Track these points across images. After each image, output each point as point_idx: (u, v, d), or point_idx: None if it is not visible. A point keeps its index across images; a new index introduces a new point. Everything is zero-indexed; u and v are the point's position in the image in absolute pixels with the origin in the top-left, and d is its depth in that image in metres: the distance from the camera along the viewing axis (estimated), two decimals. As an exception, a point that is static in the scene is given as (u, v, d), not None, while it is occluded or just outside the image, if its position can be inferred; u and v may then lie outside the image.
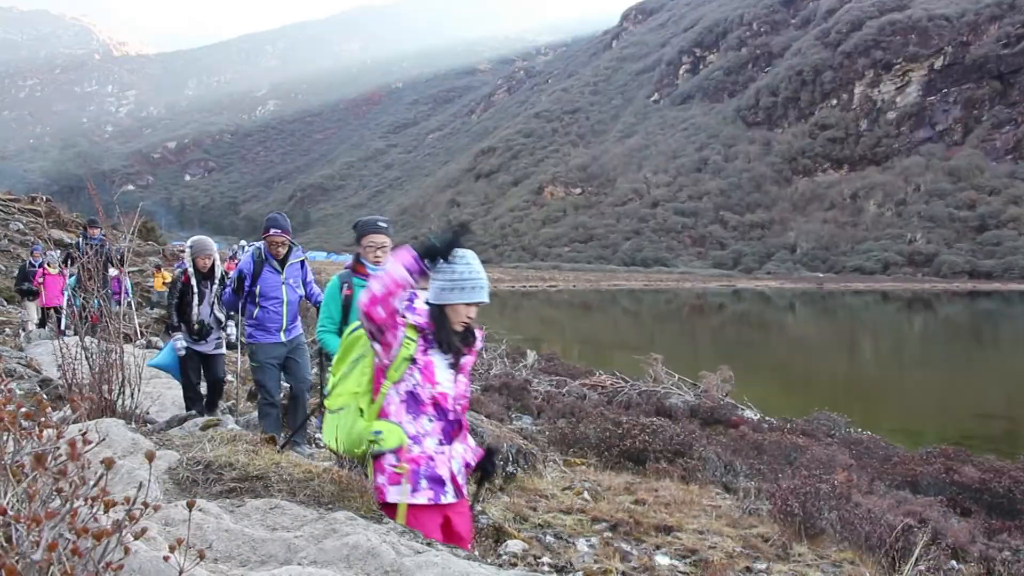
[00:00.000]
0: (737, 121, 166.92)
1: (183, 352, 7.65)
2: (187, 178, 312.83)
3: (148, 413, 5.31)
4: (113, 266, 10.31)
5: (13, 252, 21.52)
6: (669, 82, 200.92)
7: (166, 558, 1.82)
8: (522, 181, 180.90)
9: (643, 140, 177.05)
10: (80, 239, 11.47)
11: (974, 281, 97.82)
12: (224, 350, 8.14)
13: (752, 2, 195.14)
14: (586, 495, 7.50)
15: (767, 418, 17.33)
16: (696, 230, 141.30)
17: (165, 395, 8.43)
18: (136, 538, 1.56)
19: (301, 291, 7.17)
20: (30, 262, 15.24)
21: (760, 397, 20.72)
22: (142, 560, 1.96)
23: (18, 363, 8.12)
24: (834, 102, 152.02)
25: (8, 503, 1.53)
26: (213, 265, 7.96)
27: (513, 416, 13.41)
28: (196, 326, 7.67)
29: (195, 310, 7.74)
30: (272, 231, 6.92)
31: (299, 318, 7.37)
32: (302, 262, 7.25)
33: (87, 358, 4.77)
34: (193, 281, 7.79)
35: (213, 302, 7.82)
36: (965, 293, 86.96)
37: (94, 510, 1.52)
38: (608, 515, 6.71)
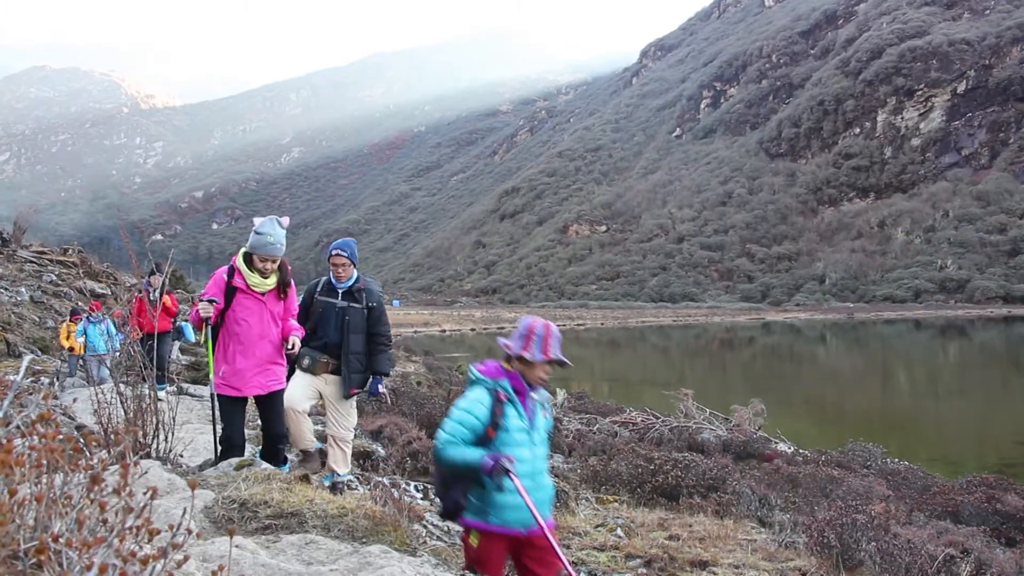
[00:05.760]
0: (760, 153, 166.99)
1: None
2: (214, 226, 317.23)
3: (182, 456, 5.36)
4: None
5: (46, 303, 21.85)
6: (691, 117, 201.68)
7: (207, 585, 1.82)
8: (547, 220, 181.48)
9: (666, 175, 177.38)
10: None
11: (1009, 306, 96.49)
12: None
13: (771, 34, 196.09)
14: (619, 532, 7.43)
15: (801, 451, 17.11)
16: (723, 264, 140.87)
17: (198, 440, 8.47)
18: (179, 566, 1.58)
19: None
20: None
21: (793, 430, 20.46)
22: (182, 592, 1.99)
23: (51, 409, 8.21)
24: (857, 131, 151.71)
25: (58, 531, 1.57)
26: None
27: (544, 454, 13.34)
28: None
29: None
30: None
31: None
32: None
33: (122, 403, 4.84)
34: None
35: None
36: (1000, 319, 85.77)
37: (138, 538, 1.55)
38: (642, 551, 6.65)
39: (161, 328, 11.17)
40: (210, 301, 5.19)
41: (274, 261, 5.34)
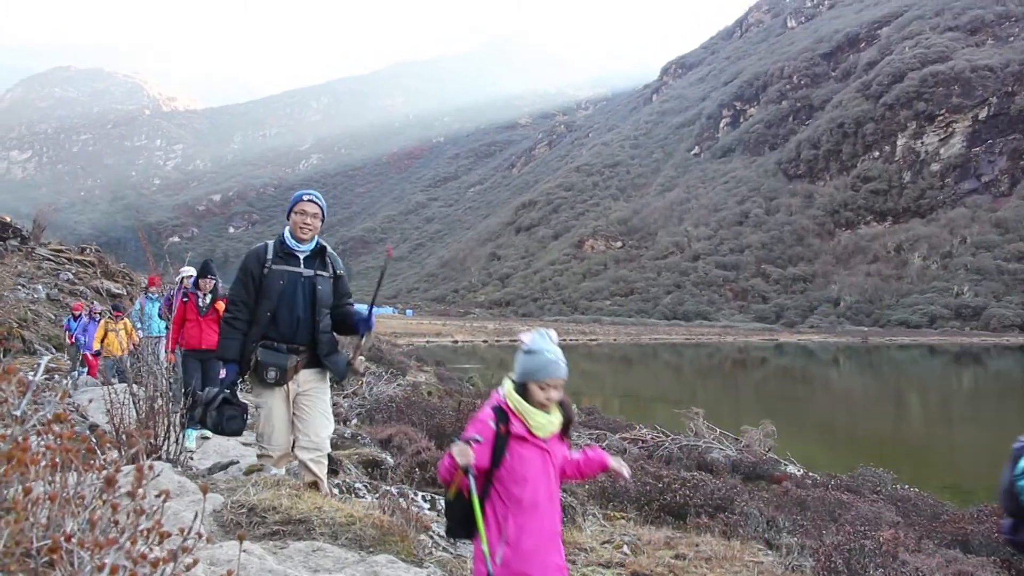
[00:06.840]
0: (778, 174, 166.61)
1: None
2: (231, 230, 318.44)
3: (192, 459, 5.39)
4: None
5: (63, 301, 22.03)
6: (710, 135, 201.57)
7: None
8: (563, 235, 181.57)
9: (684, 193, 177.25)
10: None
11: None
12: None
13: (792, 55, 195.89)
14: (626, 549, 7.40)
15: (811, 474, 17.01)
16: (738, 283, 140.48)
17: (207, 443, 8.52)
18: (188, 569, 1.58)
19: None
20: None
21: (803, 452, 20.37)
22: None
23: (66, 408, 8.24)
24: (876, 154, 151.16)
25: (71, 530, 1.58)
26: None
27: (552, 468, 13.32)
28: None
29: None
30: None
31: None
32: None
33: (134, 404, 4.87)
34: None
35: None
36: (1016, 347, 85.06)
37: (149, 540, 1.56)
38: (648, 569, 6.62)
39: (212, 344, 8.07)
40: (468, 440, 3.13)
41: (558, 388, 3.32)
